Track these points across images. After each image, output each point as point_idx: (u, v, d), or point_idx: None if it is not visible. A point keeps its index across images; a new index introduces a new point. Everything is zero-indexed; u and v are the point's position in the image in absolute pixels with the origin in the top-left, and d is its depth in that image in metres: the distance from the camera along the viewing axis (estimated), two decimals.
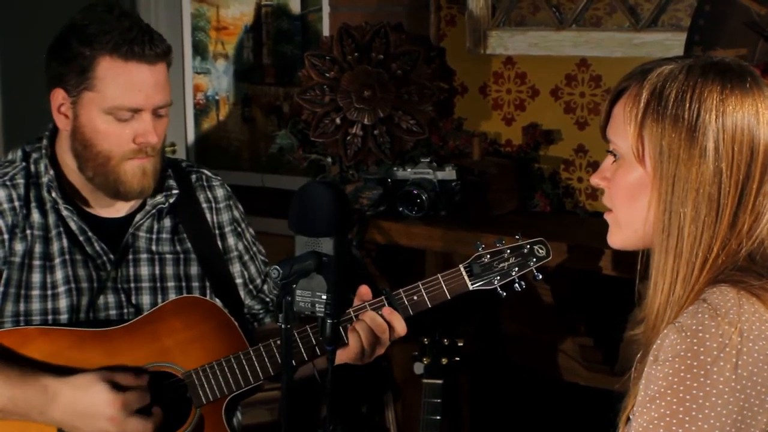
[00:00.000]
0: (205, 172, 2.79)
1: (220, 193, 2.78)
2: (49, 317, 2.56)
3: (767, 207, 1.80)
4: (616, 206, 1.88)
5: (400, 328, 2.49)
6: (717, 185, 1.76)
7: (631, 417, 1.78)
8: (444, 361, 2.97)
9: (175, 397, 2.55)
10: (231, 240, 2.76)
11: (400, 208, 3.48)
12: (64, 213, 2.59)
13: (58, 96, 2.55)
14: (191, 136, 4.57)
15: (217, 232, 2.74)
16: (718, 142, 1.76)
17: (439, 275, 2.53)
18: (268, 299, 2.81)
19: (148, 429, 2.46)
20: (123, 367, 2.51)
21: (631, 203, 1.85)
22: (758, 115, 1.78)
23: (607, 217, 1.93)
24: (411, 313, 2.52)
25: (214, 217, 2.75)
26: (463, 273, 2.53)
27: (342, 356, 2.47)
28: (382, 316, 2.47)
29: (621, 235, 1.90)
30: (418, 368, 2.99)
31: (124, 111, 2.51)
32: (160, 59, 2.54)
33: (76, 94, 2.53)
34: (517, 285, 2.54)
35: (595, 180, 1.92)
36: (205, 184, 2.77)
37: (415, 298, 2.52)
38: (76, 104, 2.54)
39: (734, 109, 1.76)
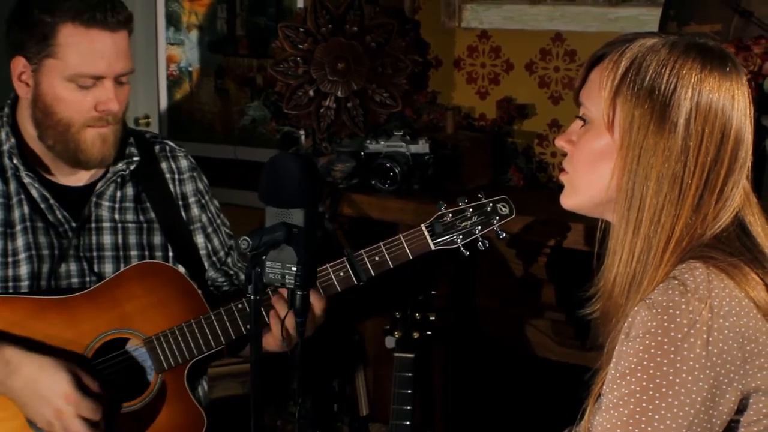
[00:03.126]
0: (169, 143, 2.78)
1: (183, 163, 2.76)
2: (10, 284, 2.54)
3: (736, 197, 1.80)
4: (575, 170, 1.88)
5: (317, 303, 2.47)
6: (682, 163, 1.75)
7: (601, 394, 1.78)
8: (416, 335, 2.96)
9: (137, 363, 2.54)
10: (195, 211, 2.74)
11: (373, 182, 3.47)
12: (26, 180, 2.57)
13: (19, 64, 2.53)
14: (164, 108, 4.54)
15: (180, 202, 2.73)
16: (689, 120, 1.75)
17: (400, 235, 2.52)
18: (231, 272, 2.80)
19: None
20: (91, 367, 2.50)
21: (592, 169, 1.84)
22: (734, 100, 1.78)
23: (562, 177, 1.92)
24: (373, 273, 2.51)
25: (178, 187, 2.73)
26: (425, 232, 2.52)
27: (268, 344, 2.46)
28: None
29: (576, 198, 1.90)
30: (390, 342, 2.98)
31: (86, 78, 2.49)
32: (121, 27, 2.52)
33: (38, 62, 2.50)
34: (480, 244, 2.54)
35: (560, 142, 1.91)
36: (168, 154, 2.75)
37: (377, 258, 2.51)
38: (37, 72, 2.51)
39: (711, 90, 1.76)
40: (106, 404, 2.47)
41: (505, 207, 2.55)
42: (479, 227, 2.53)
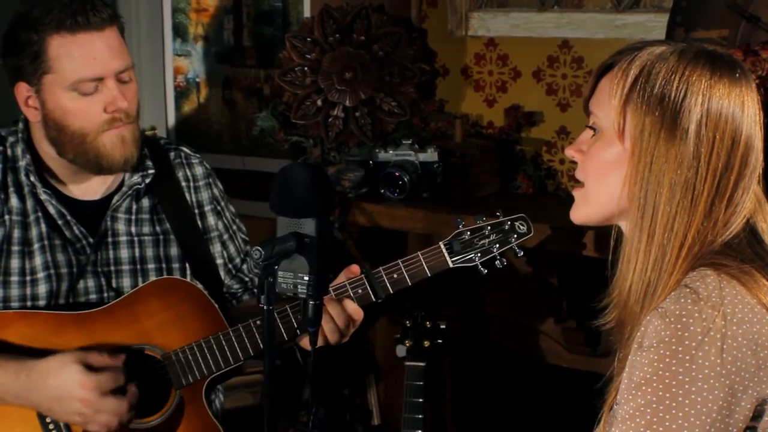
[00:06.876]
0: (184, 149, 2.77)
1: (199, 170, 2.75)
2: (28, 303, 2.54)
3: (747, 203, 1.80)
4: (587, 179, 1.87)
5: (352, 309, 2.48)
6: (694, 170, 1.75)
7: (615, 405, 1.78)
8: (426, 343, 2.96)
9: (155, 379, 2.53)
10: (211, 219, 2.74)
11: (382, 190, 3.47)
12: (43, 197, 2.57)
13: (23, 90, 2.53)
14: (171, 119, 4.54)
15: (196, 210, 2.72)
16: (700, 126, 1.75)
17: (419, 253, 2.52)
18: (247, 278, 2.79)
19: (124, 407, 2.45)
20: (98, 346, 2.49)
21: (603, 178, 1.84)
22: (743, 106, 1.78)
23: (575, 192, 1.92)
24: (391, 291, 2.51)
25: (193, 195, 2.73)
26: (443, 250, 2.51)
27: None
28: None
29: (586, 210, 1.90)
30: (401, 351, 2.98)
31: (87, 83, 2.49)
32: (107, 24, 2.51)
33: (37, 81, 2.51)
34: (498, 262, 2.53)
35: (570, 152, 1.91)
36: (184, 161, 2.75)
37: (395, 276, 2.51)
38: (40, 92, 2.51)
39: (721, 97, 1.76)
40: (123, 369, 2.47)
41: (523, 225, 2.54)
42: (497, 245, 2.52)
